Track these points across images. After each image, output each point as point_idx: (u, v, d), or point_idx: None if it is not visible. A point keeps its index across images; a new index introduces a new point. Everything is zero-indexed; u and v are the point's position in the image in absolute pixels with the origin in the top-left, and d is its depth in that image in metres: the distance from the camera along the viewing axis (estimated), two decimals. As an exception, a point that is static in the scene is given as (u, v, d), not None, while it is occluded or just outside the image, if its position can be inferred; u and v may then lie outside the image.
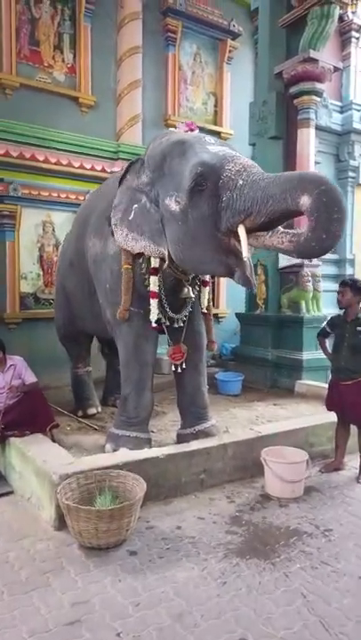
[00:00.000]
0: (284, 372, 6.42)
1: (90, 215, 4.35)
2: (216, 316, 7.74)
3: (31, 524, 3.09)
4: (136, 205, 3.53)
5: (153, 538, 2.92)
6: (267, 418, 5.01)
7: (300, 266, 6.25)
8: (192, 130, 3.60)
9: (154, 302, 3.64)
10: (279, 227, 3.00)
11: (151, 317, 3.65)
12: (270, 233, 2.98)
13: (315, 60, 6.14)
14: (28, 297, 6.35)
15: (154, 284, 3.63)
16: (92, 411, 5.03)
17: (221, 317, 8.02)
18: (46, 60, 6.36)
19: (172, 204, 3.24)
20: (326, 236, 2.72)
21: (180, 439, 4.03)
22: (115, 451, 3.71)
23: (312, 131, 6.49)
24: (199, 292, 3.99)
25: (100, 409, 5.14)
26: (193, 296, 3.87)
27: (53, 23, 6.39)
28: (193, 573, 2.56)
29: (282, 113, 6.59)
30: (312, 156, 6.52)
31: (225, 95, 8.09)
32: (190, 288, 3.82)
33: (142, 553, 2.75)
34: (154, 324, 3.68)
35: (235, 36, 7.99)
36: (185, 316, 3.89)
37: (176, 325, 3.88)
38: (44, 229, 6.38)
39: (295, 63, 6.24)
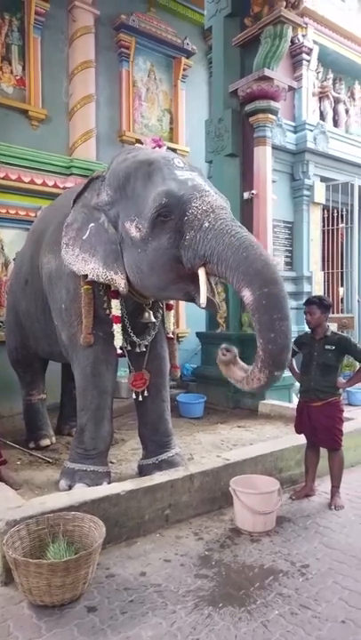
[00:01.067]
0: (246, 392, 6.22)
1: (45, 230, 4.07)
2: (176, 335, 7.51)
3: (-26, 580, 2.70)
4: (92, 224, 3.27)
5: (114, 588, 2.60)
6: (232, 442, 4.80)
7: (261, 283, 6.14)
8: (159, 146, 3.37)
9: (117, 327, 3.38)
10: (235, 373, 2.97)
11: (116, 344, 3.38)
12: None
13: (269, 79, 6.15)
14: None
15: (116, 307, 3.37)
16: (45, 442, 4.63)
17: (182, 337, 7.81)
18: (-7, 72, 6.07)
19: (132, 230, 3.03)
20: (275, 335, 2.58)
21: (142, 471, 3.75)
22: (70, 487, 3.40)
23: (268, 149, 6.47)
24: (163, 315, 3.78)
25: (54, 439, 4.75)
26: (154, 320, 3.64)
27: (1, 34, 6.10)
28: (160, 630, 2.26)
29: (238, 130, 6.56)
30: (269, 174, 6.50)
31: (180, 112, 8.01)
32: (151, 312, 3.59)
33: (102, 608, 2.43)
34: (119, 351, 3.43)
35: (189, 54, 7.96)
36: (148, 341, 3.67)
37: (138, 350, 3.64)
38: (-9, 247, 6.01)
39: (250, 81, 6.23)
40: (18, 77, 6.25)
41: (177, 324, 7.53)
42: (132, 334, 3.55)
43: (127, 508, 3.09)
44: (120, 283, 3.18)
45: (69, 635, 2.23)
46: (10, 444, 4.38)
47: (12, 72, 6.20)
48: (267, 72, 6.10)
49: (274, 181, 6.96)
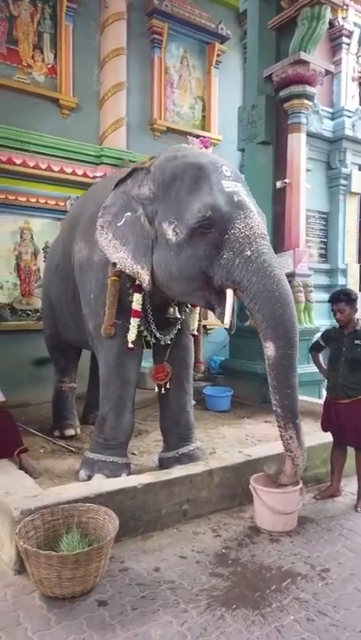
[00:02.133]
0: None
1: (79, 217, 4.07)
2: (205, 327, 7.41)
3: (-11, 567, 2.72)
4: (129, 214, 3.24)
5: (127, 583, 2.56)
6: (257, 437, 4.69)
7: (292, 275, 5.96)
8: (206, 147, 3.35)
9: (134, 322, 3.36)
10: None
11: (129, 337, 3.37)
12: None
13: (306, 63, 5.91)
14: (3, 308, 5.97)
15: (137, 302, 3.35)
16: (70, 432, 4.63)
17: (210, 329, 7.70)
18: (25, 60, 6.04)
19: (170, 232, 3.00)
20: (291, 390, 2.86)
21: (163, 463, 3.70)
22: (89, 477, 3.38)
23: (303, 136, 6.24)
24: (188, 312, 3.74)
25: (79, 430, 4.74)
26: (179, 317, 3.60)
27: (33, 22, 6.08)
28: (170, 630, 2.20)
29: (272, 117, 6.34)
30: (303, 162, 6.28)
31: (213, 100, 7.82)
32: (176, 308, 3.55)
33: (113, 603, 2.39)
34: (130, 345, 3.39)
35: (223, 39, 7.74)
36: (172, 335, 3.63)
37: (163, 343, 3.61)
38: (21, 236, 6.03)
39: (285, 66, 6.01)
40: (49, 66, 6.23)
41: (205, 315, 7.45)
42: (154, 329, 3.51)
43: (144, 501, 3.04)
44: (145, 278, 3.16)
45: (78, 628, 2.21)
46: (33, 432, 4.40)
47: (43, 60, 6.18)
48: (303, 55, 5.86)
49: (308, 170, 6.72)
